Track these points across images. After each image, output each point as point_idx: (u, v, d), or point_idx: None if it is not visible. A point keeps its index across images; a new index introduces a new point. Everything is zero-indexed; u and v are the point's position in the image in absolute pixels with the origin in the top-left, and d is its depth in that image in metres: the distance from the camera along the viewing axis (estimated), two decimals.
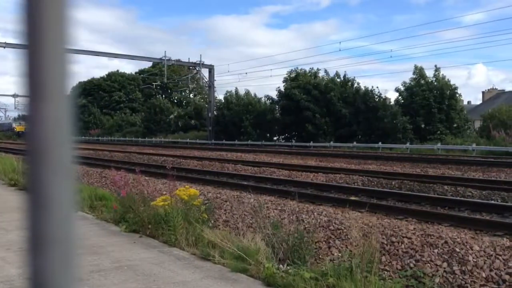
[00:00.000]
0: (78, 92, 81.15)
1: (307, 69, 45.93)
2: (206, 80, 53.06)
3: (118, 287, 4.52)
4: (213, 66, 51.94)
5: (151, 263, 5.38)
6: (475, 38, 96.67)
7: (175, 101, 72.81)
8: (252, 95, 50.13)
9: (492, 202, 9.57)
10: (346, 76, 41.93)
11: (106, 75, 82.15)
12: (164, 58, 50.44)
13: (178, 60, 53.90)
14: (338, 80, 42.36)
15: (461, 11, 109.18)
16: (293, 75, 45.97)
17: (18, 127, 70.64)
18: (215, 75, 52.08)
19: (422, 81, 36.07)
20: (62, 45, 0.63)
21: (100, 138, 65.23)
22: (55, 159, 0.62)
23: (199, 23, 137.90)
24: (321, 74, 44.20)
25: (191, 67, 54.71)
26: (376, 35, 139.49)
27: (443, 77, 35.95)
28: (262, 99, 49.02)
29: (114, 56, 51.86)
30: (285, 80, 46.50)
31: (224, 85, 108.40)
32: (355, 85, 41.35)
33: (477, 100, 69.70)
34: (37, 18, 0.60)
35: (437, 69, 36.30)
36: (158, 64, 59.35)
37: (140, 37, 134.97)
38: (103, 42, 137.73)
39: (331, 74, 43.47)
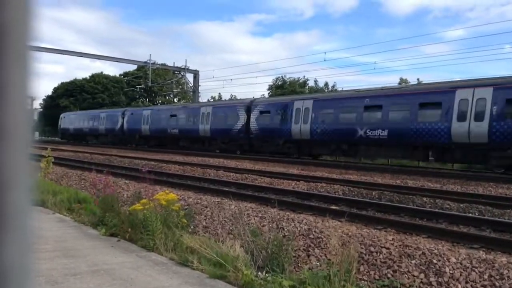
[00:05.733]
0: (60, 92, 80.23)
1: (296, 77, 46.36)
2: (191, 85, 52.98)
3: None
4: (198, 71, 51.96)
5: (129, 268, 5.31)
6: (455, 53, 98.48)
7: (159, 105, 72.55)
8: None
9: (470, 215, 9.69)
10: (334, 87, 42.39)
11: (89, 76, 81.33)
12: (149, 61, 50.28)
13: (164, 64, 53.83)
14: (326, 90, 42.75)
15: (442, 27, 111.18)
16: (279, 82, 46.19)
17: None
18: (199, 81, 52.06)
19: None
20: (26, 42, 0.62)
21: None
22: (14, 162, 0.61)
23: (183, 28, 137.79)
24: (311, 84, 44.65)
25: (176, 72, 54.63)
26: (359, 47, 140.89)
27: None
28: None
29: (98, 58, 51.45)
30: (270, 88, 46.67)
31: (209, 91, 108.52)
32: None
33: None
34: None
35: (419, 83, 36.97)
36: (143, 67, 59.10)
37: (123, 40, 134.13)
38: (85, 43, 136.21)
39: (321, 84, 43.96)
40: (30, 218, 0.64)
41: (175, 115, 38.53)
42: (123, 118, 45.81)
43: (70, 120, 57.38)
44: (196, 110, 36.42)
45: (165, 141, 39.63)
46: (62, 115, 60.91)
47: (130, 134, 44.81)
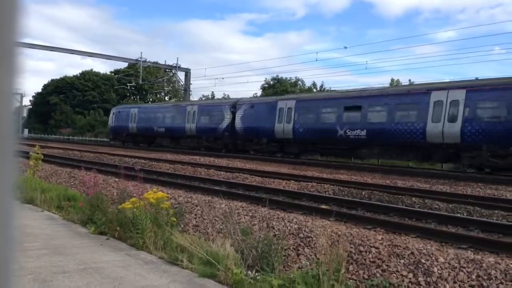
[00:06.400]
0: (50, 90, 79.65)
1: (288, 77, 46.47)
2: (182, 83, 52.84)
3: None
4: (189, 69, 51.86)
5: (118, 266, 5.29)
6: (445, 54, 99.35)
7: (150, 103, 72.29)
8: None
9: (458, 215, 9.77)
10: (323, 87, 42.54)
11: (80, 73, 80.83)
12: (140, 59, 50.07)
13: (155, 62, 53.58)
14: (315, 90, 42.96)
15: (433, 28, 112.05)
16: (272, 82, 46.22)
17: None
18: (191, 79, 51.96)
19: None
20: (13, 39, 0.61)
21: (71, 137, 63.88)
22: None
23: (175, 26, 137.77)
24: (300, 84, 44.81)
25: (167, 70, 54.45)
26: (350, 48, 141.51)
27: None
28: None
29: (89, 55, 51.16)
30: (263, 88, 46.69)
31: (200, 89, 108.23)
32: None
33: None
34: None
35: (411, 84, 37.22)
36: (134, 65, 58.81)
37: (115, 37, 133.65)
38: (76, 40, 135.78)
39: (308, 84, 44.14)
40: (15, 215, 0.64)
41: (359, 107, 23.91)
42: (233, 113, 32.09)
43: (130, 116, 41.76)
44: (420, 97, 21.59)
45: (332, 148, 26.07)
46: (114, 110, 45.05)
47: (247, 137, 31.02)
